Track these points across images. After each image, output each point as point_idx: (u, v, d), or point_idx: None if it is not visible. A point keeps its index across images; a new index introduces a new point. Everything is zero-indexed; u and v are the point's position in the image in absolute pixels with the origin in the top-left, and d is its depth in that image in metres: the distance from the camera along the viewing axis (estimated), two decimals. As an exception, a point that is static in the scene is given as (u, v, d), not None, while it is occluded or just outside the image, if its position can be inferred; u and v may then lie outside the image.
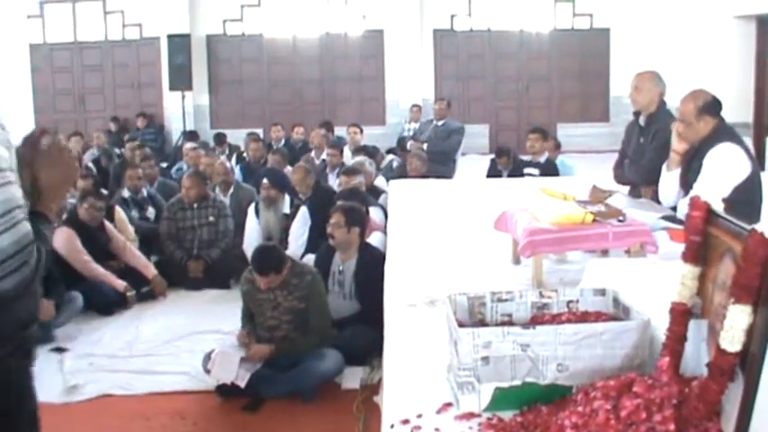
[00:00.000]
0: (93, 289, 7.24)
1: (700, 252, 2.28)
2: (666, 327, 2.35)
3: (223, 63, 18.27)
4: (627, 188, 5.54)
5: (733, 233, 2.10)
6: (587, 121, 17.95)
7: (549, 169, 9.04)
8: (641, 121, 5.47)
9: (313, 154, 11.29)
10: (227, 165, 9.80)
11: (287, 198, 8.34)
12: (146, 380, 5.76)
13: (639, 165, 5.41)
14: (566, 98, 18.28)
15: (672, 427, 2.03)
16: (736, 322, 1.91)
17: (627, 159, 5.69)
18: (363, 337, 5.61)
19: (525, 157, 9.63)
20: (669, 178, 4.89)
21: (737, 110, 11.21)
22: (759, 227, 1.90)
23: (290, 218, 8.00)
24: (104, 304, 7.26)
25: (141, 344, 6.53)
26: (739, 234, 2.03)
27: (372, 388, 5.16)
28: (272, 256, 5.56)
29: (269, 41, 18.20)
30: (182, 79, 16.64)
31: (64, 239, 7.33)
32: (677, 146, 4.81)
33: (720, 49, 12.14)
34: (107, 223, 7.85)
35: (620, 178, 5.72)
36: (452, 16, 18.08)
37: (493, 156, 10.44)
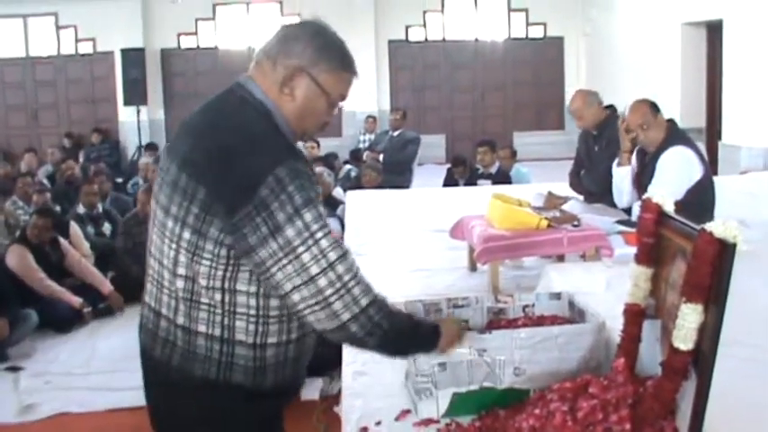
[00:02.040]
0: (48, 306, 7.15)
1: (652, 253, 2.30)
2: (621, 328, 2.37)
3: (178, 77, 18.16)
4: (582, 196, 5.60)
5: (684, 234, 2.12)
6: (542, 130, 18.07)
7: (501, 179, 9.08)
8: (593, 130, 5.56)
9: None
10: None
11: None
12: (104, 396, 5.68)
13: (596, 174, 5.47)
14: (521, 107, 18.39)
15: (628, 426, 2.05)
16: (688, 321, 1.94)
17: (583, 169, 5.75)
18: (323, 347, 5.58)
19: (479, 168, 9.67)
20: (620, 174, 4.95)
21: (690, 116, 11.36)
22: (708, 226, 1.93)
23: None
24: (60, 321, 7.16)
25: (98, 360, 6.45)
26: (690, 234, 2.06)
27: (333, 398, 5.14)
28: None
29: (224, 54, 18.13)
30: (136, 94, 16.50)
31: (17, 257, 7.24)
32: (626, 143, 4.89)
33: (671, 56, 12.29)
34: (61, 240, 7.77)
35: (576, 186, 5.78)
36: (407, 27, 18.13)
37: (449, 165, 10.47)
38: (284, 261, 2.05)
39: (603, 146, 5.51)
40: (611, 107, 5.65)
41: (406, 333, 2.25)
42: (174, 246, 2.18)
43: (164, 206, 2.22)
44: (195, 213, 2.12)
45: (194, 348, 2.21)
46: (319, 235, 2.07)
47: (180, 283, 2.19)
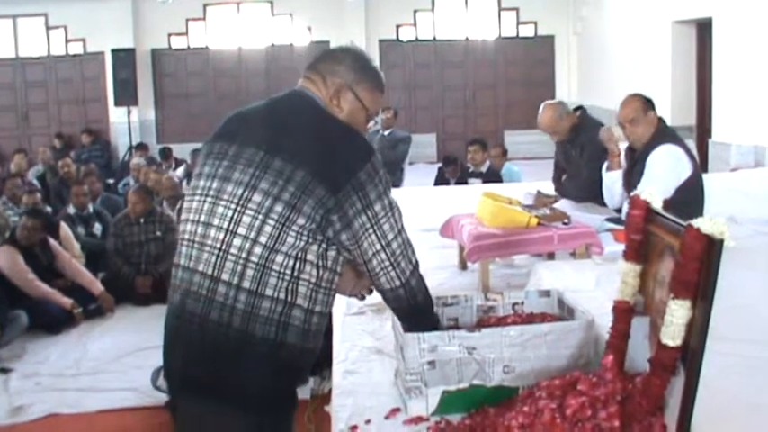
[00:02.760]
0: (38, 307, 7.13)
1: (640, 250, 2.30)
2: (610, 325, 2.37)
3: (168, 77, 18.14)
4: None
5: (672, 230, 2.12)
6: (534, 129, 17.99)
7: (492, 178, 9.09)
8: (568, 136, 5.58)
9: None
10: (176, 179, 9.73)
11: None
12: (94, 397, 5.68)
13: (579, 180, 5.47)
14: (512, 106, 18.39)
15: (617, 423, 2.05)
16: (676, 317, 1.94)
17: (564, 174, 5.75)
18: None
19: (469, 167, 9.68)
20: (611, 178, 4.95)
21: (680, 114, 11.38)
22: (695, 223, 1.93)
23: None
24: (51, 322, 7.15)
25: (89, 361, 6.44)
26: (678, 231, 2.06)
27: (323, 398, 5.13)
28: None
29: (215, 54, 18.13)
30: (127, 94, 16.47)
31: (7, 258, 7.23)
32: (614, 147, 4.89)
33: (661, 55, 12.31)
34: (51, 241, 7.75)
35: (560, 192, 5.77)
36: (398, 26, 18.15)
37: (440, 164, 10.48)
38: (371, 230, 2.50)
39: (580, 150, 5.51)
40: (580, 108, 5.67)
41: (427, 311, 2.66)
42: (260, 217, 2.45)
43: (240, 181, 2.51)
44: (291, 191, 2.44)
45: (257, 310, 2.45)
46: (395, 210, 2.56)
47: (257, 250, 2.44)
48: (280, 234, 2.43)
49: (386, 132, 11.89)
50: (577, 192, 5.47)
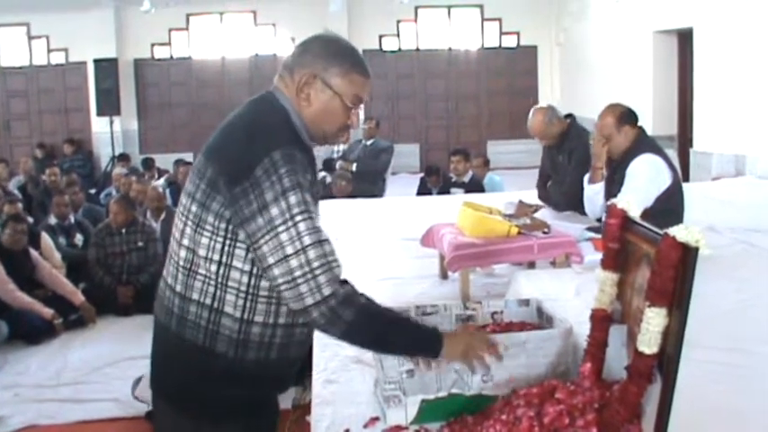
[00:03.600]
0: (18, 317, 7.09)
1: (618, 259, 2.32)
2: (588, 333, 2.38)
3: (151, 87, 18.10)
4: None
5: (649, 239, 2.13)
6: (516, 138, 18.10)
7: (475, 188, 9.10)
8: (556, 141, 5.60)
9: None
10: (160, 190, 9.70)
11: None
12: (74, 408, 5.64)
13: (564, 186, 5.49)
14: (495, 116, 18.44)
15: (594, 430, 2.06)
16: (652, 325, 1.95)
17: (549, 181, 5.77)
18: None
19: (452, 177, 9.69)
20: (593, 190, 4.97)
21: (662, 123, 11.43)
22: (671, 231, 1.94)
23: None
24: (31, 333, 7.10)
25: (69, 372, 6.40)
26: (654, 239, 2.07)
27: (304, 408, 5.12)
28: None
29: (198, 64, 18.11)
30: (109, 104, 16.43)
31: (-14, 268, 7.19)
32: (597, 161, 4.90)
33: (642, 65, 12.38)
34: (32, 251, 7.72)
35: (544, 198, 5.79)
36: (381, 36, 18.17)
37: (423, 174, 10.48)
38: (267, 237, 2.25)
39: (567, 156, 5.53)
40: (569, 116, 5.69)
41: (379, 330, 2.35)
42: (183, 218, 2.43)
43: (185, 188, 2.48)
44: (203, 189, 2.36)
45: (186, 314, 2.42)
46: (299, 218, 2.26)
47: (183, 253, 2.42)
48: (195, 235, 2.38)
49: (368, 142, 11.90)
50: (561, 196, 5.49)
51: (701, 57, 10.58)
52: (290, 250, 2.24)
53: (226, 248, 2.34)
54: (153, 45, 17.93)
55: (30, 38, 17.71)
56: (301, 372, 5.31)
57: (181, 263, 2.42)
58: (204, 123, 17.57)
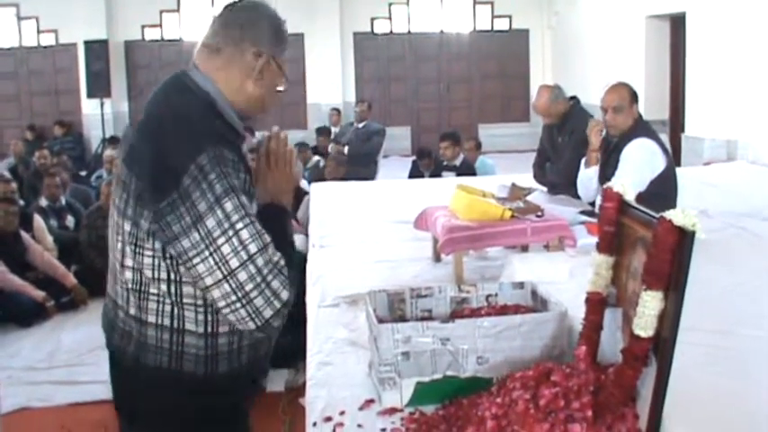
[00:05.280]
0: (10, 300, 7.08)
1: (613, 242, 2.32)
2: (583, 316, 2.38)
3: (142, 69, 18.02)
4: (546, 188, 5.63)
5: (644, 222, 2.13)
6: (508, 122, 18.15)
7: (466, 171, 9.09)
8: (557, 121, 5.60)
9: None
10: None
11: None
12: (66, 391, 5.65)
13: (559, 164, 5.50)
14: (486, 99, 18.46)
15: (589, 413, 2.06)
16: (648, 308, 1.95)
17: (548, 161, 5.77)
18: (288, 339, 5.56)
19: (443, 160, 9.69)
20: (587, 175, 4.97)
21: (654, 108, 11.45)
22: (667, 215, 1.94)
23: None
24: (23, 315, 7.10)
25: (62, 354, 6.40)
26: (650, 223, 2.07)
27: (298, 390, 5.13)
28: None
29: (188, 46, 17.95)
30: (100, 86, 16.36)
31: (-23, 251, 7.18)
32: (595, 143, 4.91)
33: (635, 49, 12.38)
34: (23, 233, 7.70)
35: (539, 178, 5.80)
36: (372, 19, 18.13)
37: (414, 157, 10.48)
38: (206, 253, 2.07)
39: (567, 137, 5.54)
40: (573, 98, 5.68)
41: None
42: (119, 238, 2.23)
43: (113, 201, 2.28)
44: (132, 204, 2.17)
45: (145, 339, 2.25)
46: (239, 225, 2.09)
47: (128, 275, 2.23)
48: (136, 255, 2.20)
49: (360, 125, 11.92)
50: (558, 177, 5.50)
51: (694, 42, 10.59)
52: (235, 263, 2.07)
53: (171, 265, 2.17)
54: (144, 27, 17.88)
55: (19, 19, 17.63)
56: (294, 354, 5.35)
57: (129, 285, 2.24)
58: (195, 105, 17.49)
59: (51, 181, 9.16)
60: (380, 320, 2.54)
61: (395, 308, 2.77)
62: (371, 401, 2.54)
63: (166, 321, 2.22)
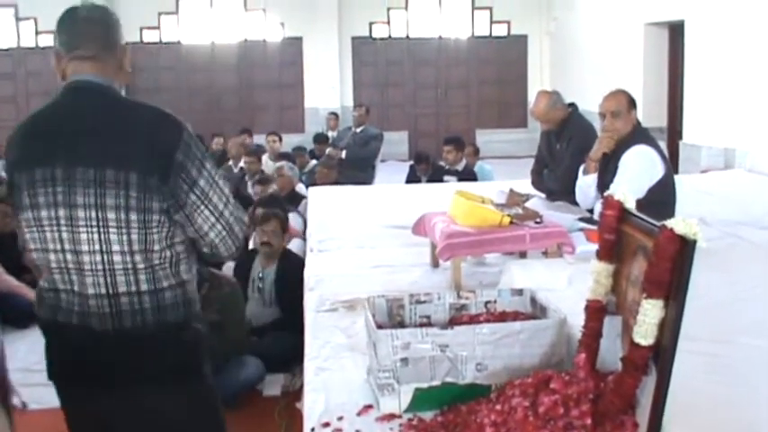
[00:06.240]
0: (6, 302, 7.04)
1: (613, 250, 2.32)
2: (582, 324, 2.38)
3: (140, 71, 17.97)
4: (544, 194, 5.63)
5: (645, 230, 2.14)
6: (506, 128, 18.15)
7: (468, 177, 9.10)
8: (556, 128, 5.60)
9: (231, 163, 11.18)
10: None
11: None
12: (62, 393, 5.62)
13: (558, 171, 5.50)
14: (484, 104, 18.46)
15: (589, 421, 2.06)
16: (649, 316, 1.95)
17: (546, 168, 5.77)
18: (284, 343, 5.55)
19: (444, 165, 9.70)
20: (586, 182, 4.97)
21: (652, 115, 11.45)
22: (669, 223, 1.94)
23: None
24: (18, 317, 7.04)
25: (58, 356, 6.37)
26: (651, 231, 2.07)
27: (294, 394, 5.13)
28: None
29: (187, 49, 18.03)
30: (97, 88, 16.32)
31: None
32: (595, 153, 4.90)
33: (633, 56, 12.39)
34: (20, 234, 7.67)
35: (538, 185, 5.80)
36: (371, 24, 18.13)
37: (412, 162, 10.48)
38: (202, 207, 2.59)
39: (566, 144, 5.54)
40: (572, 105, 5.69)
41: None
42: (124, 230, 2.53)
43: (87, 204, 2.52)
44: (135, 196, 2.51)
45: (164, 303, 2.62)
46: (217, 177, 2.65)
47: (138, 257, 2.56)
48: (147, 237, 2.55)
49: (358, 129, 11.90)
50: (556, 184, 5.50)
51: (692, 49, 10.60)
52: (221, 206, 2.63)
53: (170, 233, 2.60)
54: (142, 29, 17.84)
55: (17, 19, 17.58)
56: (290, 359, 5.35)
57: (139, 266, 2.58)
58: (192, 108, 17.50)
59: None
60: (379, 326, 2.54)
61: (394, 314, 2.77)
62: (370, 407, 2.54)
63: (175, 280, 2.64)
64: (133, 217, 2.51)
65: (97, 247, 2.53)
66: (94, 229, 2.52)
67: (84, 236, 2.53)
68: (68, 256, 2.57)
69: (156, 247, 2.57)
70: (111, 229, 2.52)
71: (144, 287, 2.58)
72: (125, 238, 2.52)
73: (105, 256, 2.54)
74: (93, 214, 2.51)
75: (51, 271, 2.64)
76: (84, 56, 2.75)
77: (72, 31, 2.85)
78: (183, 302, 2.66)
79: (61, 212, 2.54)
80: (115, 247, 2.53)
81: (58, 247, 2.58)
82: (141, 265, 2.56)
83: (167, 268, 2.61)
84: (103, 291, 2.57)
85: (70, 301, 2.63)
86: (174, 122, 2.60)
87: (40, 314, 2.78)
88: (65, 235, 2.55)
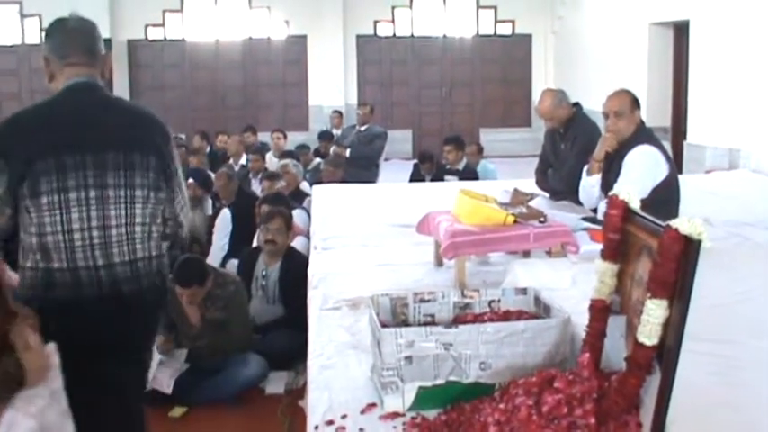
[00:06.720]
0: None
1: (618, 250, 2.32)
2: (586, 323, 2.38)
3: (145, 68, 18.04)
4: (548, 194, 5.63)
5: (649, 230, 2.13)
6: (510, 127, 18.14)
7: (469, 176, 9.08)
8: (560, 128, 5.60)
9: (231, 161, 11.16)
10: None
11: (209, 199, 8.33)
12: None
13: (562, 171, 5.50)
14: (488, 103, 18.46)
15: (592, 420, 2.06)
16: (653, 316, 1.95)
17: (550, 167, 5.77)
18: (287, 341, 5.57)
19: (446, 164, 9.69)
20: (589, 183, 4.97)
21: (656, 115, 11.43)
22: (674, 223, 1.94)
23: (213, 219, 7.98)
24: (22, 313, 7.08)
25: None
26: (655, 231, 2.07)
27: (297, 392, 5.14)
28: (194, 267, 5.47)
29: (191, 46, 18.04)
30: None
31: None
32: (597, 154, 4.89)
33: (638, 56, 12.38)
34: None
35: (542, 184, 5.80)
36: (375, 22, 18.13)
37: (416, 161, 10.48)
38: (179, 194, 3.29)
39: (570, 143, 5.54)
40: (576, 104, 5.69)
41: None
42: (147, 205, 3.17)
43: (120, 185, 3.11)
44: (153, 177, 3.19)
45: (162, 267, 3.30)
46: (179, 170, 3.32)
47: (153, 228, 3.22)
48: (155, 211, 3.24)
49: (362, 128, 11.90)
50: (560, 183, 5.50)
51: (697, 50, 10.58)
52: (186, 195, 3.36)
53: (154, 209, 3.24)
54: (147, 26, 17.87)
55: (22, 16, 17.61)
56: (293, 357, 5.35)
57: (154, 234, 3.24)
58: (197, 106, 17.55)
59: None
60: (383, 324, 2.54)
61: (398, 312, 2.77)
62: (373, 405, 2.54)
63: (166, 245, 3.32)
64: (152, 194, 3.17)
65: (123, 221, 3.09)
66: (122, 206, 3.09)
67: (113, 212, 3.06)
68: (94, 233, 3.02)
69: (159, 220, 3.24)
70: (137, 205, 3.13)
71: (154, 252, 3.23)
72: (148, 211, 3.17)
73: (129, 228, 3.12)
74: (122, 193, 3.08)
75: (74, 250, 3.00)
76: (78, 62, 3.16)
77: (65, 40, 3.22)
78: (167, 269, 3.36)
79: (92, 193, 3.01)
80: (138, 220, 3.14)
81: (85, 225, 3.01)
82: (155, 234, 3.22)
83: (159, 239, 3.25)
84: (127, 258, 3.11)
85: (92, 276, 3.04)
86: (153, 116, 3.28)
87: (47, 295, 3.04)
88: (93, 213, 3.01)
